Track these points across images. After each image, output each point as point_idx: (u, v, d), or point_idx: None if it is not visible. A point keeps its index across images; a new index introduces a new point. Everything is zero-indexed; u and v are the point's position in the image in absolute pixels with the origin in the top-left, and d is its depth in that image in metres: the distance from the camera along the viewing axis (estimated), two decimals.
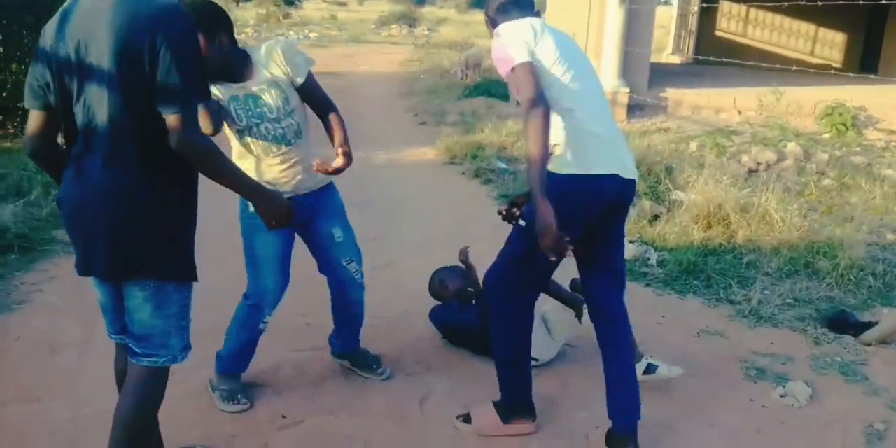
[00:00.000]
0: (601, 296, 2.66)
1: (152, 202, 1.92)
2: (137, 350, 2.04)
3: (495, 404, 2.74)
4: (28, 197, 5.20)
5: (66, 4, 1.93)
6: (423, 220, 5.55)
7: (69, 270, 2.28)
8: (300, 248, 2.93)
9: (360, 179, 6.68)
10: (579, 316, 3.19)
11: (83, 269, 2.01)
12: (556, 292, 3.31)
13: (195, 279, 2.08)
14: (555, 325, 3.29)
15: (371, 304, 3.95)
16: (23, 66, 7.18)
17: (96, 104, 1.87)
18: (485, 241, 5.11)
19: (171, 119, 1.84)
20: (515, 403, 2.72)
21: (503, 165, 6.94)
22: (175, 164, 1.92)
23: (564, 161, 2.38)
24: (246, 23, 28.42)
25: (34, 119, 1.99)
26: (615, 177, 2.42)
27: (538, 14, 2.60)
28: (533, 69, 2.32)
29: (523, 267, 2.55)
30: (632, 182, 2.51)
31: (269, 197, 2.16)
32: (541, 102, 2.24)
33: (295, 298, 3.95)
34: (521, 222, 2.53)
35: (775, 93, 9.09)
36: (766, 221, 4.98)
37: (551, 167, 2.34)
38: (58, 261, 4.37)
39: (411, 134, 8.99)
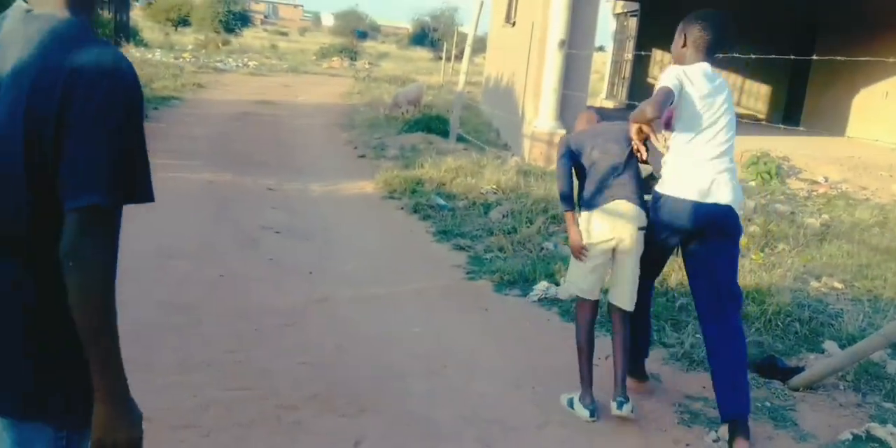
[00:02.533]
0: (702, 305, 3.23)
1: (48, 313, 1.31)
2: None
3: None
4: None
5: None
6: (361, 255, 5.48)
7: None
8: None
9: (298, 211, 6.62)
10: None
11: None
12: None
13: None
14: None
15: (305, 340, 3.88)
16: None
17: None
18: (423, 275, 5.13)
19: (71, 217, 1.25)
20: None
21: (441, 202, 6.94)
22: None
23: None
24: (184, 48, 28.05)
25: None
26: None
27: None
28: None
29: (644, 264, 3.30)
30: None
31: (130, 410, 1.32)
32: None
33: (224, 334, 3.84)
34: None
35: None
36: None
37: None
38: None
39: (350, 167, 8.94)
